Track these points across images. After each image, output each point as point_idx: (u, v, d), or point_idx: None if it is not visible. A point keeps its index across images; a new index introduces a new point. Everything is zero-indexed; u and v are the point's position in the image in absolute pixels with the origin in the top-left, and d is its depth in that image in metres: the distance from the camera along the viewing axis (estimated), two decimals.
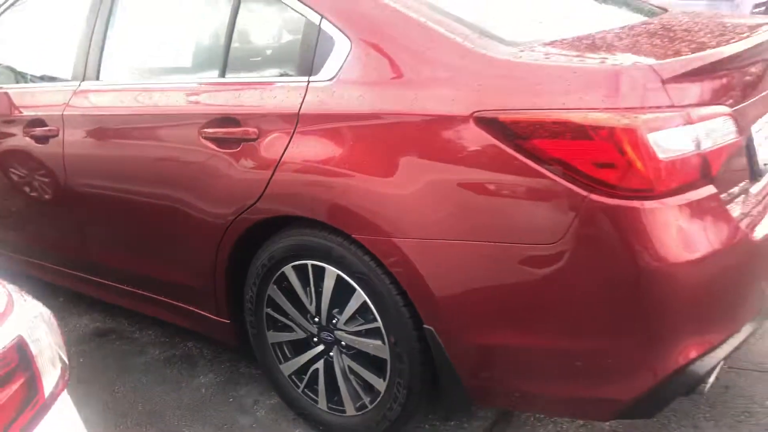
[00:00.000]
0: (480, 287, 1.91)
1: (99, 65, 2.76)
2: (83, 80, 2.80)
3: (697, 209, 1.76)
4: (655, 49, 1.94)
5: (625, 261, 1.71)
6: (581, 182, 1.71)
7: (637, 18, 2.46)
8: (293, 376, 2.42)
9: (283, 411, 2.51)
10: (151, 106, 2.54)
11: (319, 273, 2.20)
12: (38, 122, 2.91)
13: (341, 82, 2.08)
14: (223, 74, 2.39)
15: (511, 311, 1.89)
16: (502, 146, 1.79)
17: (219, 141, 2.31)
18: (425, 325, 2.00)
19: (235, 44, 2.39)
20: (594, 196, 1.71)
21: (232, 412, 2.55)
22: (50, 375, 1.20)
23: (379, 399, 2.20)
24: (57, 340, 1.27)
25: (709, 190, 1.79)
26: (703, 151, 1.77)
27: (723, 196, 1.86)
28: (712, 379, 1.93)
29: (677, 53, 1.88)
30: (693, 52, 1.88)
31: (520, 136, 1.77)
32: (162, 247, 2.63)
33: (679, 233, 1.72)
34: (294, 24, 2.26)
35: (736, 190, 1.93)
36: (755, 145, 2.11)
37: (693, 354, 1.77)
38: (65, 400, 1.24)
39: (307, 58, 2.18)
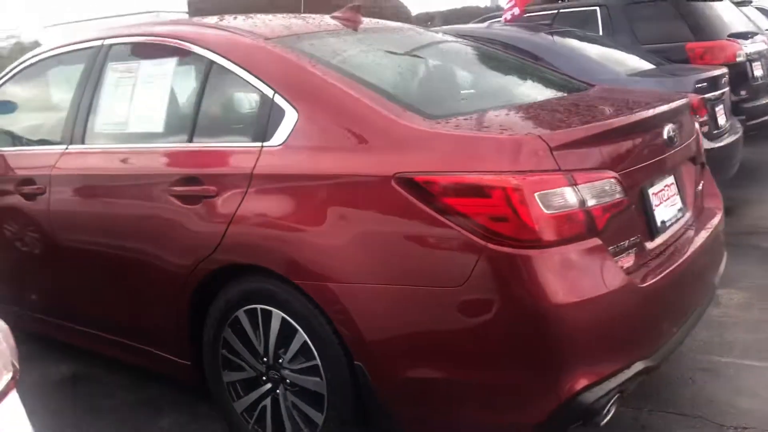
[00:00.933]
0: (401, 327, 2.18)
1: (84, 130, 3.09)
2: (70, 144, 3.14)
3: (581, 258, 2.05)
4: (553, 121, 2.26)
5: (517, 302, 2.00)
6: (481, 233, 2.01)
7: (555, 93, 2.81)
8: (245, 413, 2.65)
9: None
10: (127, 167, 2.87)
11: (267, 316, 2.46)
12: (29, 181, 3.23)
13: (289, 147, 2.40)
14: (190, 139, 2.72)
15: (429, 348, 2.15)
16: (417, 203, 2.09)
17: (183, 198, 2.62)
18: (355, 362, 2.26)
19: (202, 114, 2.73)
20: (491, 246, 2.00)
21: None
22: (3, 377, 1.45)
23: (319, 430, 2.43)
24: (11, 348, 1.54)
25: (595, 242, 2.08)
26: (587, 208, 2.07)
27: (612, 248, 2.15)
28: (608, 412, 2.18)
29: (568, 125, 2.20)
30: (583, 124, 2.21)
31: (431, 194, 2.08)
32: (132, 294, 2.90)
33: (563, 278, 2.00)
34: (252, 97, 2.59)
35: (625, 243, 2.22)
36: (652, 206, 2.42)
37: (583, 384, 2.03)
38: (14, 399, 1.49)
39: (261, 126, 2.51)
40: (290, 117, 2.43)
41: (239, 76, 2.60)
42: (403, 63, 2.84)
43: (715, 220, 2.84)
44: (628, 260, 2.23)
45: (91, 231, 2.99)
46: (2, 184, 3.41)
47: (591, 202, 2.09)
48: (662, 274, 2.30)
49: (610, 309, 2.08)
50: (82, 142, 3.11)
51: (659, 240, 2.46)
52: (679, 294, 2.42)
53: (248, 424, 2.64)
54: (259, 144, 2.48)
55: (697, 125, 2.99)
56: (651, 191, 2.46)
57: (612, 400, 2.14)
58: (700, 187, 2.90)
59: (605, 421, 2.19)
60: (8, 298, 3.59)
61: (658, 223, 2.46)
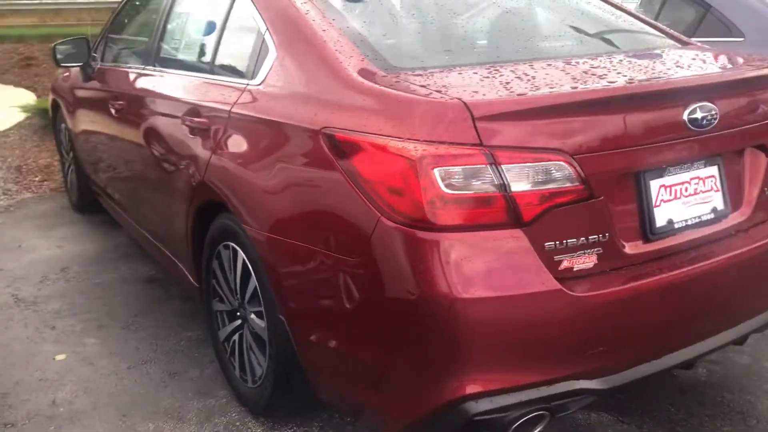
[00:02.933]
0: (311, 288, 2.06)
1: (150, 55, 3.31)
2: (143, 66, 3.37)
3: (489, 250, 1.75)
4: (506, 86, 1.90)
5: (403, 287, 1.77)
6: (377, 204, 1.80)
7: (602, 50, 2.37)
8: (225, 343, 2.72)
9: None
10: (161, 91, 3.02)
11: (236, 255, 2.48)
12: (117, 96, 3.54)
13: (263, 87, 2.33)
14: (211, 71, 2.76)
15: (330, 316, 2.02)
16: (334, 161, 1.92)
17: (190, 128, 2.68)
18: (279, 315, 2.19)
19: (221, 47, 2.74)
20: (384, 220, 1.78)
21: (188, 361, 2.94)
22: None
23: (262, 376, 2.43)
24: None
25: (514, 234, 1.76)
26: (510, 193, 1.74)
27: (550, 244, 1.80)
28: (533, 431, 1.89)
29: (515, 92, 1.84)
30: (538, 92, 1.84)
31: (345, 154, 1.89)
32: (164, 208, 3.08)
33: (459, 269, 1.72)
34: (254, 33, 2.53)
35: (578, 241, 1.84)
36: (652, 201, 1.98)
37: (469, 390, 1.76)
38: None
39: (252, 63, 2.45)
40: (271, 56, 2.34)
41: (250, 9, 2.55)
42: (414, 1, 2.55)
43: None
44: (580, 262, 1.85)
45: (142, 142, 3.20)
46: (102, 98, 3.78)
47: (518, 187, 1.75)
48: (632, 285, 1.88)
49: (522, 314, 1.76)
50: (153, 65, 3.31)
51: (660, 244, 2.00)
52: (664, 314, 1.96)
53: (226, 354, 2.71)
54: (246, 82, 2.44)
55: None
56: (658, 183, 2.00)
57: (524, 418, 1.83)
58: None
59: None
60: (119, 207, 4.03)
61: (660, 223, 2.00)
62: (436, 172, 1.71)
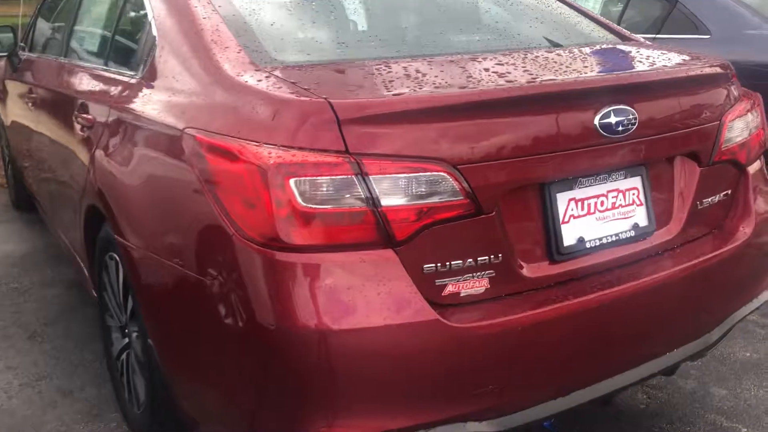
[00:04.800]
0: (177, 311, 1.82)
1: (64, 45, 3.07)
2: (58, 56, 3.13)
3: (355, 273, 1.50)
4: (388, 84, 1.66)
5: (258, 315, 1.53)
6: (231, 219, 1.56)
7: (526, 44, 2.13)
8: (117, 361, 2.49)
9: None
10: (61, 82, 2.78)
11: (118, 267, 2.24)
12: (32, 86, 3.30)
13: (141, 81, 2.09)
14: (106, 64, 2.51)
15: (193, 344, 1.78)
16: (194, 167, 1.68)
17: (81, 126, 2.44)
18: (149, 340, 1.96)
19: (116, 41, 2.50)
20: (236, 237, 1.54)
21: None
22: None
23: (143, 400, 2.19)
24: None
25: (385, 254, 1.52)
26: (380, 208, 1.50)
27: (430, 267, 1.56)
28: None
29: (393, 92, 1.60)
30: (418, 93, 1.60)
31: (204, 159, 1.65)
32: (65, 210, 2.84)
33: (313, 296, 1.49)
34: (146, 24, 2.28)
35: (464, 263, 1.59)
36: (558, 217, 1.74)
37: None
38: None
39: (140, 56, 2.22)
40: (154, 47, 2.10)
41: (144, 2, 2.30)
42: None
43: (726, 249, 2.00)
44: (468, 286, 1.61)
45: (51, 140, 2.97)
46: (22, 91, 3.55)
47: (389, 202, 1.51)
48: (530, 313, 1.64)
49: (392, 348, 1.52)
50: (64, 56, 3.07)
51: (568, 265, 1.76)
52: (572, 346, 1.72)
53: (118, 373, 2.48)
54: (131, 74, 2.20)
55: (743, 109, 2.10)
56: (567, 196, 1.76)
57: None
58: (715, 198, 2.05)
59: None
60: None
61: (569, 242, 1.76)
62: (292, 183, 1.47)
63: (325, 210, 1.49)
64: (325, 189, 1.48)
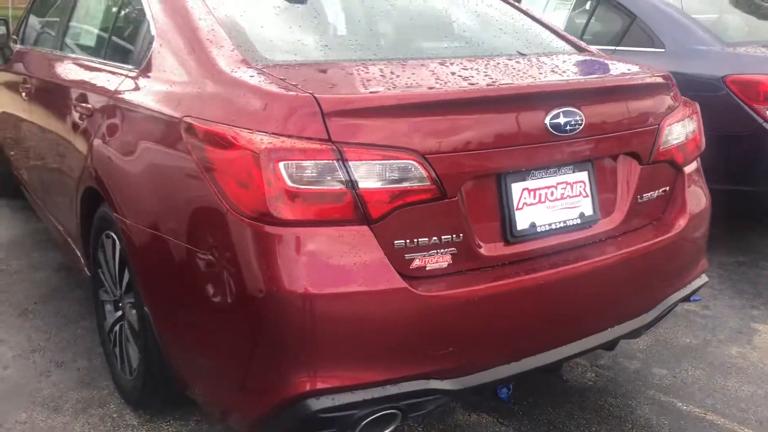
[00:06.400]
0: (172, 281, 2.03)
1: (60, 39, 3.25)
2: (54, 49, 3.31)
3: (332, 246, 1.73)
4: (366, 83, 1.89)
5: (249, 281, 1.75)
6: (227, 197, 1.78)
7: (489, 52, 2.38)
8: (110, 334, 2.68)
9: None
10: (60, 74, 2.96)
11: (115, 244, 2.44)
12: (26, 79, 3.47)
13: (141, 74, 2.30)
14: (104, 57, 2.71)
15: (186, 308, 1.99)
16: (191, 150, 1.90)
17: (79, 113, 2.64)
18: (144, 308, 2.16)
19: (114, 35, 2.70)
20: (231, 213, 1.76)
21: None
22: None
23: (136, 367, 2.39)
24: None
25: (360, 230, 1.75)
26: (357, 190, 1.73)
27: (400, 242, 1.80)
28: (375, 429, 1.88)
29: (370, 90, 1.83)
30: (392, 91, 1.83)
31: (201, 144, 1.87)
32: (60, 196, 3.02)
33: (297, 264, 1.71)
34: (143, 20, 2.49)
35: (429, 240, 1.83)
36: (512, 204, 1.98)
37: (309, 387, 1.75)
38: None
39: (138, 50, 2.42)
40: (152, 44, 2.31)
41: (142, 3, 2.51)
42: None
43: (662, 238, 2.26)
44: (433, 261, 1.85)
45: (46, 128, 3.15)
46: (16, 81, 3.71)
47: (366, 185, 1.74)
48: (486, 286, 1.88)
49: (366, 311, 1.75)
50: (60, 49, 3.25)
51: (520, 247, 2.01)
52: (522, 317, 1.97)
53: (110, 345, 2.67)
54: (130, 68, 2.40)
55: (681, 115, 2.37)
56: (521, 186, 2.01)
57: (373, 415, 1.83)
58: (654, 193, 2.31)
59: None
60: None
61: (521, 226, 2.01)
62: (282, 166, 1.70)
63: (309, 190, 1.71)
64: (309, 172, 1.71)
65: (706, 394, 2.74)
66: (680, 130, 2.36)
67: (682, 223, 2.34)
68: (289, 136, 1.72)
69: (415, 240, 1.82)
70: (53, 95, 3.07)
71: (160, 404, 2.47)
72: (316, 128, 1.73)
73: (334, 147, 1.72)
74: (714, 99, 3.71)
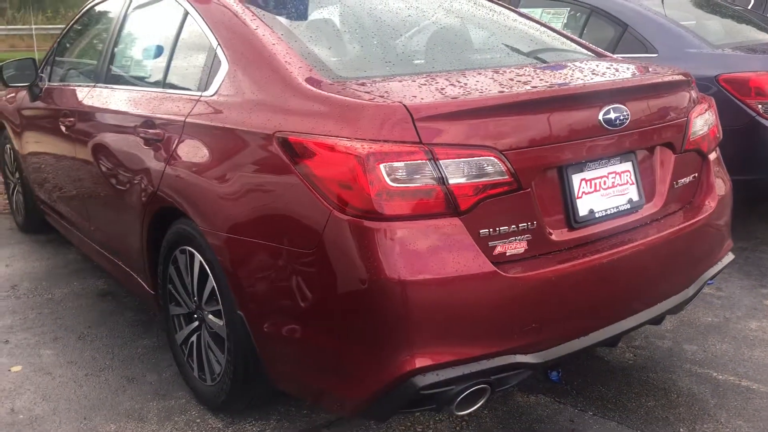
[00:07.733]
0: (270, 282, 2.21)
1: (104, 72, 3.42)
2: (96, 82, 3.47)
3: (431, 236, 1.94)
4: (441, 91, 2.12)
5: (354, 273, 1.94)
6: (330, 200, 1.97)
7: (524, 61, 2.61)
8: (183, 345, 2.83)
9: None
10: (115, 106, 3.13)
11: (193, 258, 2.60)
12: (67, 113, 3.62)
13: (216, 98, 2.49)
14: (163, 85, 2.89)
15: (288, 307, 2.17)
16: (288, 163, 2.09)
17: (145, 139, 2.81)
18: (238, 311, 2.33)
19: (173, 62, 2.89)
20: (336, 213, 1.96)
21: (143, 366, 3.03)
22: None
23: (221, 373, 2.55)
24: None
25: (453, 222, 1.96)
26: (448, 185, 1.94)
27: (485, 231, 2.00)
28: (470, 402, 2.07)
29: (449, 96, 2.06)
30: (469, 96, 2.06)
31: (298, 156, 2.06)
32: (117, 220, 3.18)
33: (403, 254, 1.91)
34: (205, 47, 2.68)
35: (508, 229, 2.05)
36: (574, 193, 2.20)
37: (415, 365, 1.94)
38: None
39: (205, 76, 2.61)
40: (223, 69, 2.50)
41: (200, 27, 2.71)
42: (357, 19, 2.77)
43: (696, 219, 2.50)
44: (512, 247, 2.06)
45: (94, 158, 3.30)
46: (52, 116, 3.85)
47: (454, 180, 1.96)
48: (558, 268, 2.10)
49: (461, 293, 1.96)
50: (103, 82, 3.42)
51: (583, 231, 2.23)
52: (589, 295, 2.19)
53: (184, 356, 2.82)
54: (199, 94, 2.59)
55: (702, 108, 2.63)
56: (579, 176, 2.24)
57: (469, 390, 2.02)
58: (686, 179, 2.56)
59: (467, 411, 2.09)
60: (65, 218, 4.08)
61: (582, 213, 2.23)
62: (382, 168, 1.90)
63: (407, 188, 1.92)
64: (406, 171, 1.92)
65: (737, 364, 2.98)
66: (703, 121, 2.62)
67: (712, 204, 2.59)
68: (386, 141, 1.93)
69: (498, 228, 2.03)
70: (105, 126, 3.23)
71: (243, 407, 2.63)
72: (409, 132, 1.94)
73: (426, 148, 1.93)
74: None
